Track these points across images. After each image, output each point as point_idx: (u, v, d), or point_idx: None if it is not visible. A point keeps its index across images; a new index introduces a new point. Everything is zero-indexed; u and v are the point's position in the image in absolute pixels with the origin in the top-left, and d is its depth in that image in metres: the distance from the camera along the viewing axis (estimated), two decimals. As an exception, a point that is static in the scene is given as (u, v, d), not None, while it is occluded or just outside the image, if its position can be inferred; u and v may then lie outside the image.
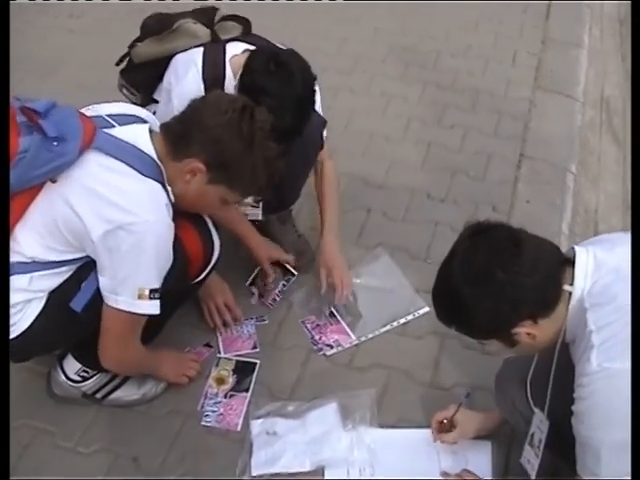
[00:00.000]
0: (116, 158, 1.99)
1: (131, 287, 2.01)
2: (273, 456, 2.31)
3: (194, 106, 2.10)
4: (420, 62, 4.50)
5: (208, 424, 2.44)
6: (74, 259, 2.06)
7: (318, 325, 2.76)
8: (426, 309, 2.75)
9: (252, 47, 2.58)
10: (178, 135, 2.06)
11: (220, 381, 2.58)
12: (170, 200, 2.07)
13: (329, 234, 2.83)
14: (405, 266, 3.03)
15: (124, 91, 2.85)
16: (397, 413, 2.45)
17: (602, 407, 1.59)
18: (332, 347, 2.67)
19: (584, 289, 1.67)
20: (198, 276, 2.38)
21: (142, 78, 2.76)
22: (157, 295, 2.05)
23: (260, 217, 2.85)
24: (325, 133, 2.82)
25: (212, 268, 2.42)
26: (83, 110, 2.12)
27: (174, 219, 2.08)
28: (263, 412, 2.45)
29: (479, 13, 4.99)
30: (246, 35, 2.68)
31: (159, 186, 2.03)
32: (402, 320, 2.76)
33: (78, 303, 2.08)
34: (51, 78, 4.32)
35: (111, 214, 1.95)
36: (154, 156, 2.04)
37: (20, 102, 1.94)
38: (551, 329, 1.73)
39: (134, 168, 1.99)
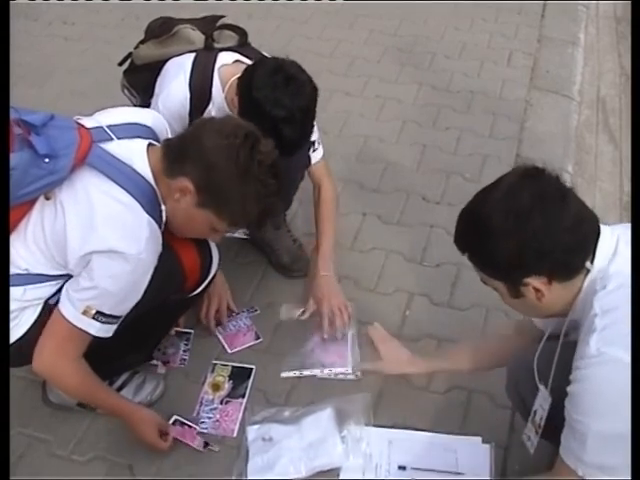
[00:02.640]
0: (108, 177, 1.97)
1: (80, 300, 2.00)
2: (269, 462, 2.30)
3: (199, 124, 2.07)
4: (415, 63, 4.49)
5: (204, 430, 2.43)
6: (62, 275, 2.06)
7: (325, 340, 2.69)
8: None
9: (244, 58, 2.58)
10: (176, 152, 2.03)
11: (216, 387, 2.57)
12: (160, 225, 2.06)
13: (324, 267, 2.76)
14: (401, 269, 3.03)
15: (125, 92, 2.87)
16: (393, 417, 2.43)
17: (594, 393, 1.57)
18: (324, 367, 2.62)
19: (600, 271, 1.64)
20: (195, 290, 2.37)
21: (141, 80, 2.76)
22: (103, 320, 2.02)
23: (245, 236, 2.85)
24: (321, 150, 2.82)
25: (210, 282, 2.41)
26: (85, 120, 2.11)
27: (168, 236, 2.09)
28: (259, 418, 2.44)
29: (474, 13, 4.98)
30: (241, 46, 2.67)
31: (147, 218, 1.99)
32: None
33: (54, 299, 2.08)
34: (45, 85, 4.32)
35: (91, 238, 1.94)
36: (149, 177, 2.02)
37: (18, 113, 1.92)
38: (560, 298, 1.70)
39: (125, 189, 1.97)
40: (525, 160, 3.60)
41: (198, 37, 2.63)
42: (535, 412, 1.93)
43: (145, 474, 2.31)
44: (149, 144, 2.09)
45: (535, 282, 1.64)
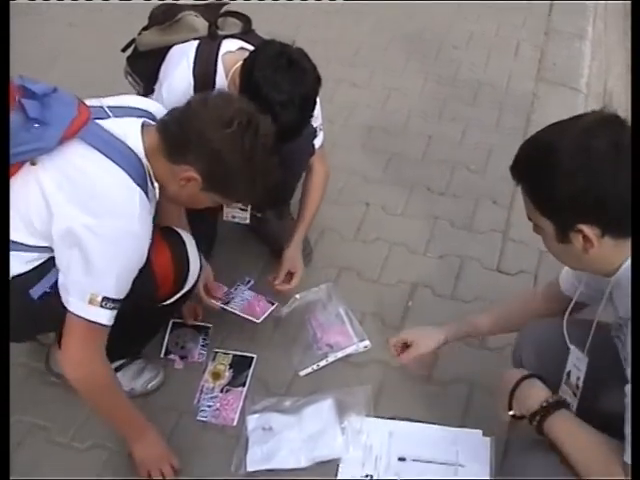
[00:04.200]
0: (99, 151, 1.95)
1: (82, 290, 1.94)
2: (268, 452, 2.30)
3: (195, 108, 2.00)
4: (422, 53, 4.48)
5: (204, 419, 2.43)
6: (39, 247, 2.00)
7: (322, 324, 2.74)
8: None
9: (248, 45, 2.55)
10: (176, 138, 1.99)
11: (216, 376, 2.57)
12: (151, 202, 2.04)
13: (295, 242, 2.80)
14: (404, 260, 3.02)
15: (129, 78, 2.85)
16: (394, 409, 2.43)
17: None
18: (333, 350, 2.64)
19: None
20: (167, 299, 2.29)
21: (145, 67, 2.73)
22: (111, 305, 1.97)
23: (248, 221, 2.80)
24: (321, 137, 2.79)
25: (186, 294, 2.35)
26: (89, 100, 2.08)
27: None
28: (259, 407, 2.44)
29: (482, 4, 4.94)
30: (245, 33, 2.64)
31: (137, 190, 1.96)
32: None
33: (37, 291, 2.03)
34: (49, 71, 4.29)
35: (78, 212, 1.90)
36: (140, 153, 1.99)
37: (22, 81, 1.92)
38: (607, 255, 1.62)
39: (116, 163, 1.94)
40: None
41: (202, 24, 2.60)
42: (569, 373, 1.89)
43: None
44: (143, 124, 2.06)
45: (588, 231, 1.56)
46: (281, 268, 2.74)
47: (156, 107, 2.20)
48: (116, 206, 1.93)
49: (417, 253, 3.06)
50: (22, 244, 1.99)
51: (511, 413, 1.83)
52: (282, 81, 2.26)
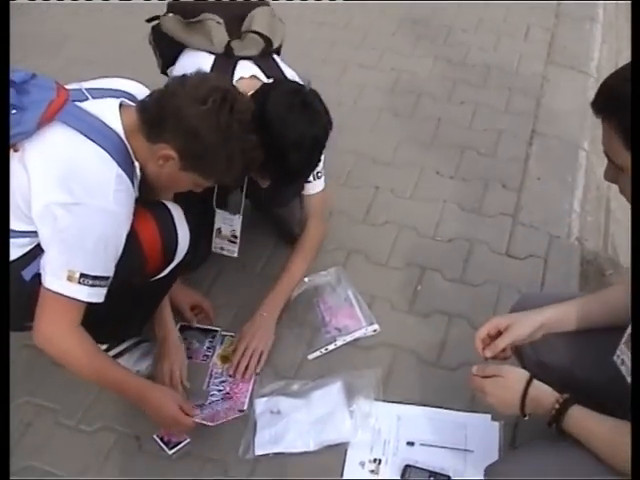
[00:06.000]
0: (79, 131, 1.96)
1: (59, 267, 1.95)
2: (276, 435, 2.30)
3: (173, 88, 2.02)
4: (431, 36, 4.44)
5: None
6: (29, 232, 2.01)
7: (331, 307, 2.73)
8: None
9: (261, 74, 2.51)
10: (154, 116, 2.00)
11: (225, 359, 2.57)
12: (132, 180, 2.04)
13: (269, 307, 2.64)
14: (413, 244, 3.01)
15: (151, 46, 2.82)
16: (403, 393, 2.42)
17: None
18: (341, 334, 2.63)
19: None
20: (157, 273, 2.27)
21: (163, 45, 2.73)
22: (90, 282, 1.96)
23: (236, 254, 2.74)
24: (322, 181, 2.74)
25: (178, 267, 2.33)
26: (70, 85, 2.09)
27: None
28: (267, 390, 2.44)
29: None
30: (262, 56, 2.59)
31: (116, 169, 1.97)
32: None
33: (29, 272, 2.04)
34: (57, 55, 4.29)
35: (55, 190, 1.91)
36: (120, 131, 2.01)
37: None
38: None
39: (96, 143, 1.95)
40: (540, 136, 3.57)
41: (219, 37, 2.55)
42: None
43: (152, 444, 2.31)
44: (121, 103, 2.07)
45: None
46: (238, 346, 2.57)
47: (138, 89, 2.21)
48: (92, 184, 1.94)
49: (426, 236, 3.05)
50: (13, 230, 1.99)
51: (526, 418, 1.82)
52: (295, 121, 2.22)
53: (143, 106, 2.04)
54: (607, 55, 4.51)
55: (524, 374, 1.83)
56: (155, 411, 2.21)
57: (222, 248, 2.76)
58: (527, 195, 3.21)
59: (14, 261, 2.03)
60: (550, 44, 4.36)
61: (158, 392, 2.23)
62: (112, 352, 2.46)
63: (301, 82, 2.48)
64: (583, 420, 1.70)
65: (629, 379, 1.71)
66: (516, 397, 1.80)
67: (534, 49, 4.30)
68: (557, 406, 1.73)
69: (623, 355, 1.78)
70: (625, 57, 4.38)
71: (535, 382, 1.80)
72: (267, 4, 2.74)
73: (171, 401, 2.21)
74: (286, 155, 2.20)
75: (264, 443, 2.29)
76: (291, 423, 2.32)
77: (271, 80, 2.45)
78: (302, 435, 2.29)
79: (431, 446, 2.27)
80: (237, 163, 2.04)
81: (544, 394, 1.78)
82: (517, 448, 2.22)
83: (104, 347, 2.43)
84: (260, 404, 2.39)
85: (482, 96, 3.90)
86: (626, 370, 1.76)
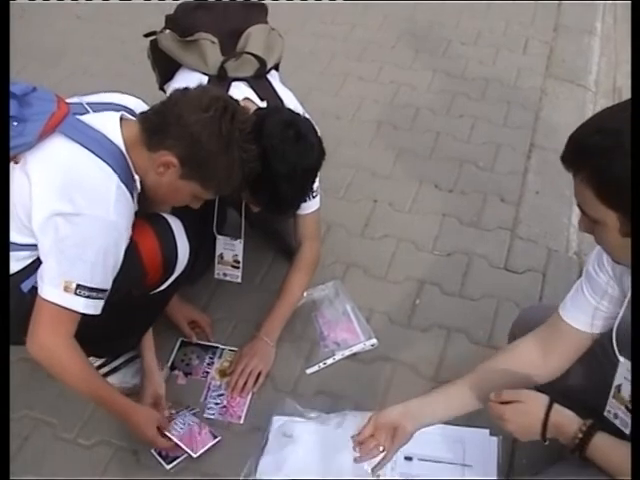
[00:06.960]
0: (79, 143, 1.97)
1: (56, 277, 1.95)
2: (278, 463, 2.26)
3: (175, 98, 2.04)
4: (430, 49, 4.46)
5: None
6: (30, 244, 2.01)
7: (329, 321, 2.73)
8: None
9: (255, 97, 2.52)
10: (155, 124, 2.01)
11: (223, 373, 2.56)
12: (132, 192, 2.04)
13: (268, 332, 2.62)
14: (411, 258, 3.01)
15: (149, 60, 2.84)
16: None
17: None
18: (340, 348, 2.63)
19: None
20: (156, 286, 2.28)
21: (160, 60, 2.75)
22: (87, 293, 1.96)
23: (239, 280, 2.75)
24: (317, 200, 2.69)
25: (177, 281, 2.33)
26: (70, 98, 2.11)
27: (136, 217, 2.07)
28: (288, 410, 2.40)
29: (489, 3, 4.93)
30: (256, 77, 2.59)
31: (117, 181, 1.97)
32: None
33: (27, 284, 2.04)
34: (57, 65, 4.30)
35: (56, 200, 1.92)
36: (120, 144, 2.01)
37: None
38: None
39: (97, 155, 1.96)
40: (539, 150, 3.58)
41: (214, 57, 2.56)
42: (619, 387, 1.79)
43: (150, 459, 2.30)
44: (122, 116, 2.08)
45: None
46: (236, 365, 2.56)
47: (136, 103, 2.22)
48: (94, 195, 1.95)
49: (425, 250, 3.05)
50: (13, 243, 2.00)
51: (547, 443, 1.77)
52: (289, 153, 2.21)
53: (144, 117, 2.06)
54: (605, 68, 4.52)
55: (544, 399, 1.78)
56: (135, 431, 2.24)
57: (225, 274, 2.76)
58: (526, 209, 3.22)
59: (13, 274, 2.03)
60: (549, 57, 4.38)
61: (139, 414, 2.24)
62: (108, 367, 2.46)
63: (295, 108, 2.46)
64: (608, 451, 1.67)
65: (627, 431, 1.73)
66: (537, 423, 1.75)
67: (533, 62, 4.32)
68: (580, 435, 1.69)
69: (615, 410, 1.80)
70: (624, 70, 4.42)
71: (556, 406, 1.76)
72: (265, 21, 2.75)
73: (150, 423, 2.23)
74: (277, 186, 2.20)
75: (266, 470, 2.25)
76: (298, 451, 2.28)
77: (264, 104, 2.46)
78: (307, 465, 2.24)
79: (429, 461, 2.26)
80: (237, 172, 2.05)
81: (566, 419, 1.74)
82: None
83: (101, 361, 2.44)
84: (277, 423, 2.36)
85: (481, 109, 3.91)
86: (621, 422, 1.77)
